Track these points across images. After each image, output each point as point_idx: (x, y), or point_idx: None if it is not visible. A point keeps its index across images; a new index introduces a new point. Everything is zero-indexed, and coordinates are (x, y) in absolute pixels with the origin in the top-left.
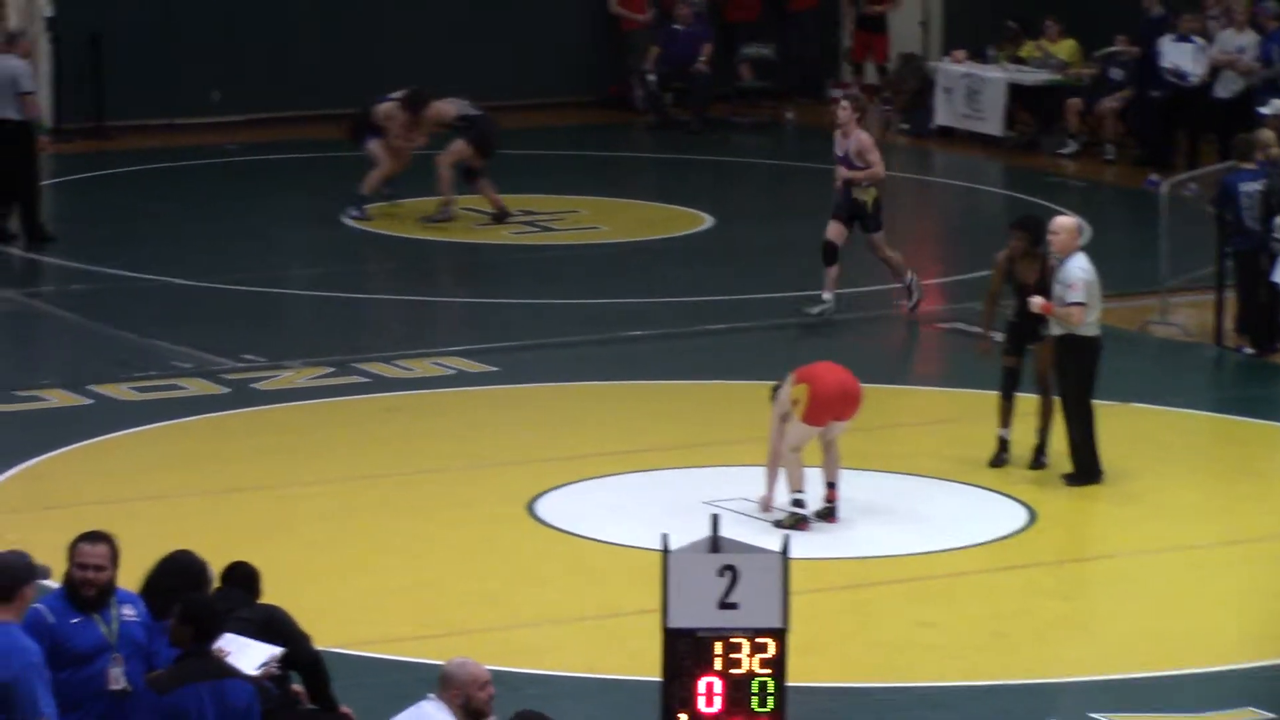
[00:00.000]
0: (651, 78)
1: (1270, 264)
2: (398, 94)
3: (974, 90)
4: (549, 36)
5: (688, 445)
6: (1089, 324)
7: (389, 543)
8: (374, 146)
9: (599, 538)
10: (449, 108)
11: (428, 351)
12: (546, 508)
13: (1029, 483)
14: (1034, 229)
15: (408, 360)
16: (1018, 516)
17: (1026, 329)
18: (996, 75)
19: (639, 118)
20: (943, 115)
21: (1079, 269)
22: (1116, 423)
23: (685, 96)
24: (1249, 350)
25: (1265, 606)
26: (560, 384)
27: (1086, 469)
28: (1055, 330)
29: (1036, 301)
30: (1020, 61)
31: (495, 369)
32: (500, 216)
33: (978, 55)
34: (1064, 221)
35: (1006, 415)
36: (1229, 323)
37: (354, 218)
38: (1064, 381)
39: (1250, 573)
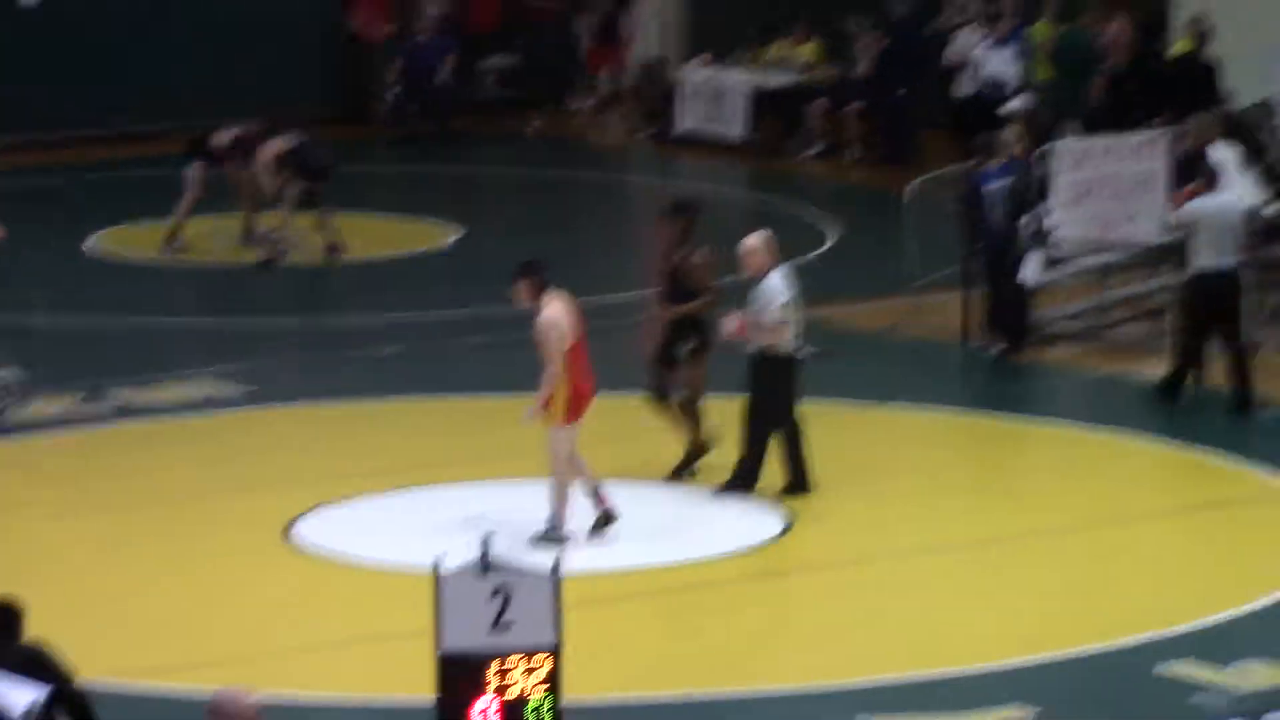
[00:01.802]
0: (394, 91)
1: (1017, 262)
2: (236, 128)
3: (717, 95)
4: (290, 52)
5: (443, 462)
6: (786, 341)
7: (152, 573)
8: (192, 172)
9: (363, 558)
10: (278, 144)
11: (179, 374)
12: (308, 530)
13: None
14: (694, 212)
15: (157, 385)
16: (774, 523)
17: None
18: (739, 79)
19: (382, 132)
20: (686, 120)
21: (776, 286)
22: (869, 424)
23: (428, 109)
24: (999, 347)
25: (1024, 604)
26: (313, 403)
27: (746, 477)
28: (752, 348)
29: (730, 327)
30: (765, 65)
31: (247, 390)
32: (333, 250)
33: (721, 60)
34: (754, 242)
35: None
36: (977, 321)
37: (172, 251)
38: (759, 399)
39: (1007, 571)
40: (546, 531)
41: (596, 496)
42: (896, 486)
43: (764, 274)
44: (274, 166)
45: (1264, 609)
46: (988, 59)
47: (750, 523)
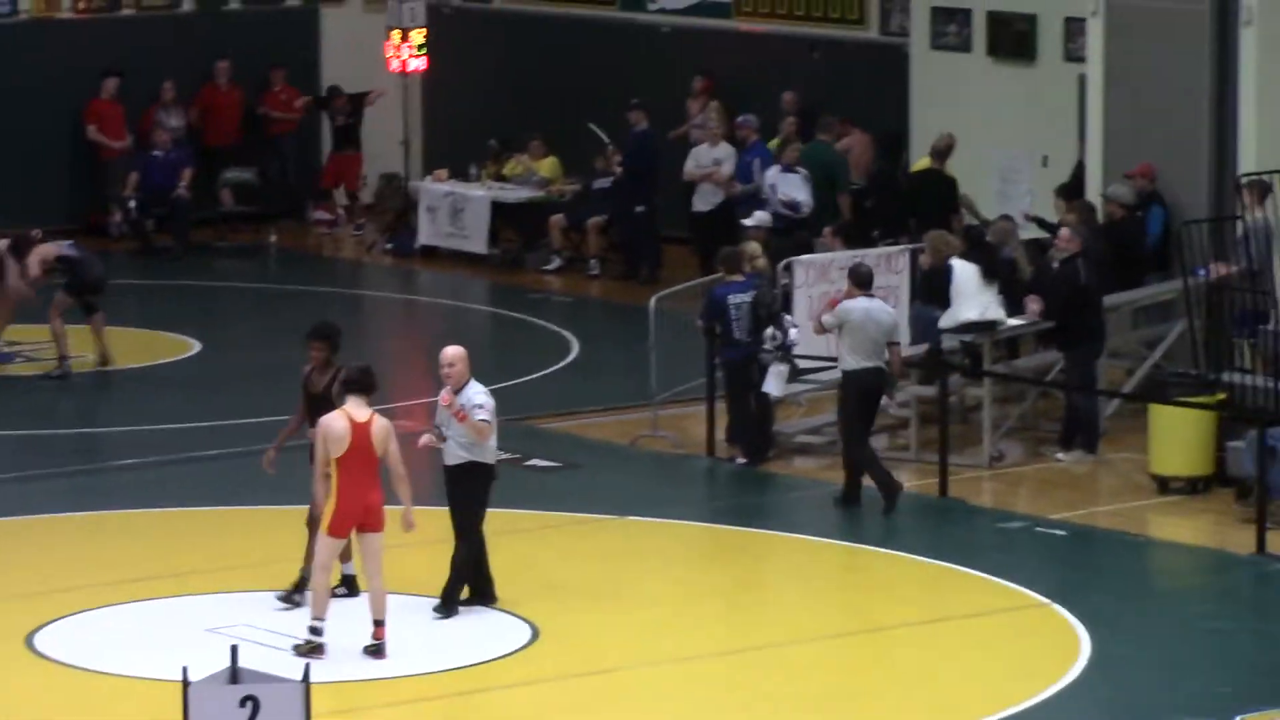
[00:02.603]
0: (132, 204)
1: (760, 374)
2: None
3: (457, 209)
4: (25, 164)
5: (185, 573)
6: (490, 449)
7: None
8: None
9: (106, 670)
10: (51, 249)
11: None
12: (47, 642)
13: (530, 600)
14: (334, 337)
15: None
16: (521, 633)
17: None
18: (479, 193)
19: (119, 244)
20: (426, 234)
21: (482, 393)
22: (612, 536)
23: (167, 222)
24: (741, 460)
25: (777, 715)
26: (53, 515)
27: (456, 592)
28: (451, 460)
29: (423, 441)
30: (503, 179)
31: None
32: (103, 360)
33: (460, 174)
34: (455, 352)
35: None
36: (720, 433)
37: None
38: (461, 507)
39: (753, 681)
40: (307, 640)
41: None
42: (644, 597)
43: (465, 384)
44: (41, 271)
45: (1011, 718)
46: (782, 182)
47: (498, 633)
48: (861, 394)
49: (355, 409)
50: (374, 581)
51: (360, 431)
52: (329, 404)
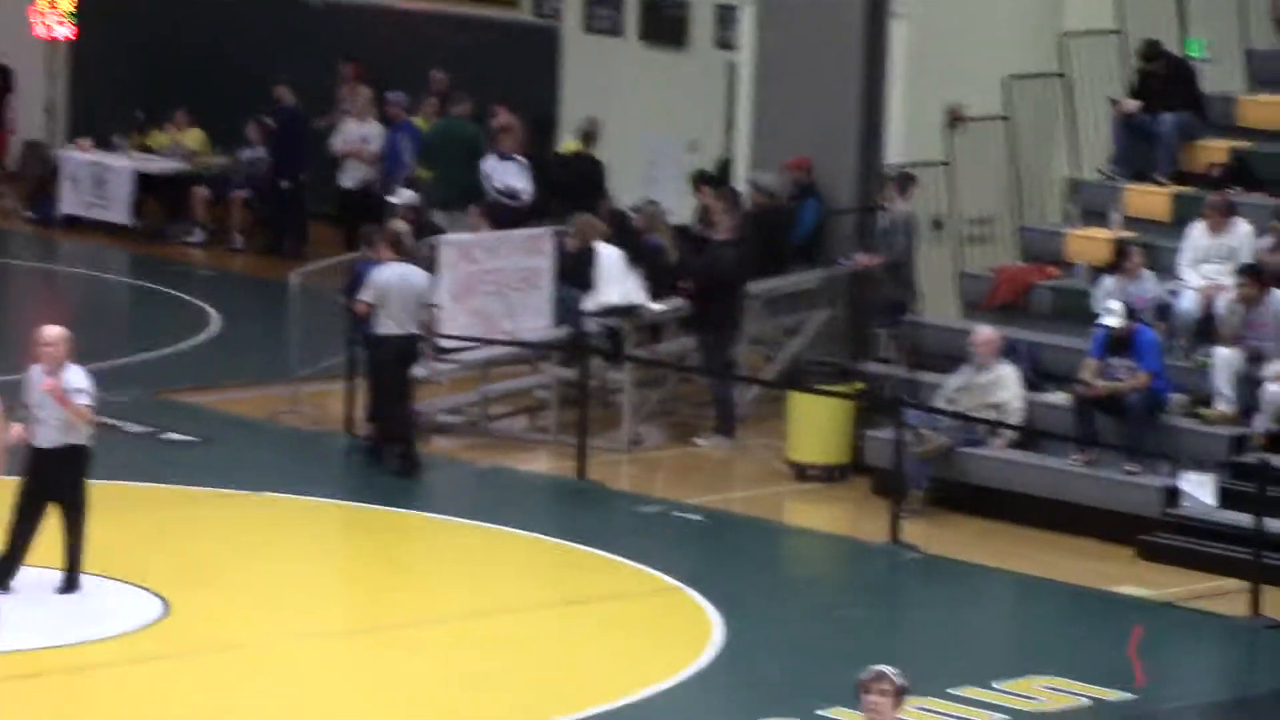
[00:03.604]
0: None
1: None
2: None
3: (100, 179)
4: None
5: None
6: (86, 431)
7: None
8: None
9: None
10: None
11: None
12: None
13: (159, 574)
14: None
15: None
16: (151, 607)
17: None
18: (123, 163)
19: None
20: (69, 204)
21: (82, 376)
22: (247, 511)
23: None
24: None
25: (404, 693)
26: None
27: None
28: (45, 443)
29: (46, 385)
30: (149, 150)
31: None
32: None
33: (105, 143)
34: (57, 332)
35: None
36: (359, 412)
37: None
38: (72, 489)
39: (388, 659)
40: None
41: None
42: (276, 573)
43: (63, 366)
44: None
45: (641, 701)
46: (499, 170)
47: (127, 608)
48: (399, 359)
49: None
50: None
51: None
52: None
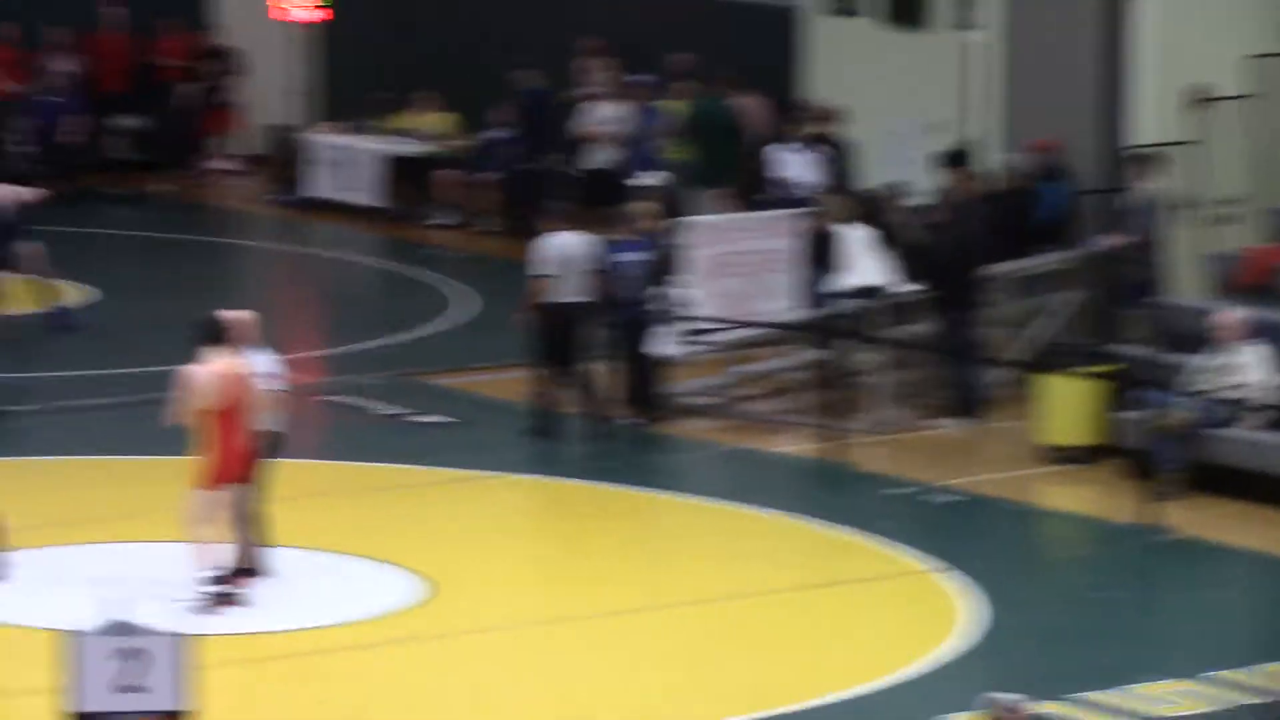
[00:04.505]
0: (22, 148)
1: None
2: None
3: (348, 162)
4: None
5: (73, 521)
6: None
7: None
8: None
9: None
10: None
11: None
12: None
13: (423, 554)
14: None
15: None
16: (418, 588)
17: None
18: (371, 146)
19: None
20: (315, 187)
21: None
22: (500, 494)
23: (56, 167)
24: (632, 420)
25: (646, 677)
26: None
27: None
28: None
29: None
30: (397, 133)
31: None
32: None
33: (352, 127)
34: (246, 317)
35: None
36: (614, 393)
37: None
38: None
39: (634, 643)
40: (205, 594)
41: (238, 572)
42: (530, 555)
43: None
44: None
45: (888, 688)
46: (784, 161)
47: (393, 588)
48: (570, 323)
49: (214, 360)
50: (240, 533)
51: (220, 381)
52: None
